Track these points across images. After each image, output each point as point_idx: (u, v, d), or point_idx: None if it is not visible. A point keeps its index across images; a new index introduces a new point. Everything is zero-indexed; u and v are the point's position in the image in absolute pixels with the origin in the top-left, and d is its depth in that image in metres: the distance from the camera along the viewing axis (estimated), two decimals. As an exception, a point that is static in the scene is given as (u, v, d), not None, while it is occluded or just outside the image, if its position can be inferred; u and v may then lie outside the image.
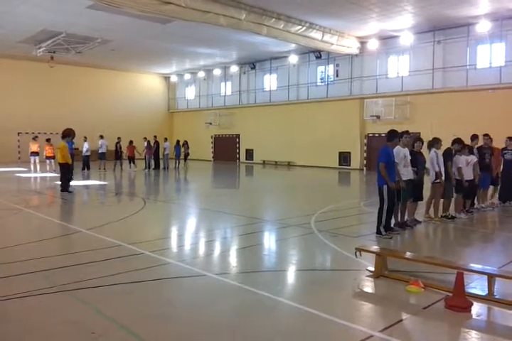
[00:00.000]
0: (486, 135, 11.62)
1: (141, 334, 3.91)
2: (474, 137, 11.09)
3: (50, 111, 31.43)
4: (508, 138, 12.48)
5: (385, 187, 7.86)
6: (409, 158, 8.53)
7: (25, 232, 8.33)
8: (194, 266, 5.97)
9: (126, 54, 29.51)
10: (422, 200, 9.25)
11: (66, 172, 14.18)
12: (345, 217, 10.10)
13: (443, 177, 9.40)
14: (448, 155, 9.70)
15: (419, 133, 20.90)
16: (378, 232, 7.92)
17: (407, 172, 8.45)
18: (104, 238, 7.49)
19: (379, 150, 8.15)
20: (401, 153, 8.35)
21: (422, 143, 9.25)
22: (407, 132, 8.65)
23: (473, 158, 10.29)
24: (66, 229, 8.60)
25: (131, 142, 24.71)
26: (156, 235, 8.12)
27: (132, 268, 5.76)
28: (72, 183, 14.70)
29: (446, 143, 10.03)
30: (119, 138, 24.51)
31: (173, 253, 6.87)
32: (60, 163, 14.21)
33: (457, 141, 9.99)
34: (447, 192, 9.74)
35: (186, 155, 27.34)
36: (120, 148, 24.23)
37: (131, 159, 24.47)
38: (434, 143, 9.62)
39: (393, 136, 8.13)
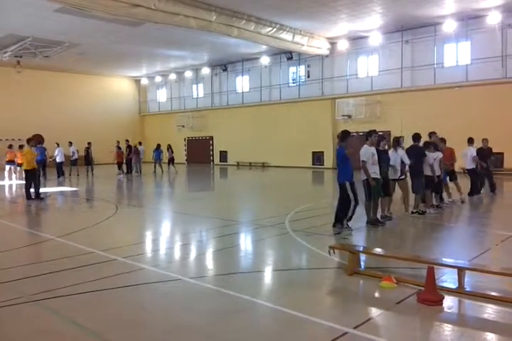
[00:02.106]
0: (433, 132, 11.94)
1: (114, 341, 3.85)
2: (431, 134, 11.42)
3: (18, 116, 30.68)
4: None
5: (347, 183, 8.06)
6: (376, 156, 8.69)
7: (-6, 241, 8.11)
8: (169, 271, 5.91)
9: (95, 57, 29.11)
10: (390, 196, 9.46)
11: (32, 179, 13.37)
12: (319, 216, 10.16)
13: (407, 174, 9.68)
14: (418, 152, 9.90)
15: (390, 131, 21.30)
16: (337, 225, 8.17)
17: (375, 170, 8.62)
18: (76, 245, 7.35)
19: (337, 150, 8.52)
20: (368, 151, 8.52)
21: (387, 142, 9.45)
22: (374, 131, 8.84)
23: (439, 155, 10.53)
24: (37, 237, 8.41)
25: (119, 147, 24.29)
26: (129, 241, 8.00)
27: (105, 275, 5.67)
28: (42, 190, 14.25)
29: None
30: (89, 143, 24.03)
31: (147, 258, 6.79)
32: (26, 170, 13.43)
33: (418, 136, 10.22)
34: (417, 188, 9.95)
35: (171, 159, 26.15)
36: (90, 153, 23.76)
37: (120, 164, 24.08)
38: (400, 141, 9.89)
39: (345, 136, 8.32)
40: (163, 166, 25.74)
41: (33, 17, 19.72)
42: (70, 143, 23.51)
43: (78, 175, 22.91)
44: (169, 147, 26.26)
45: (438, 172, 10.43)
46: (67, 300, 4.82)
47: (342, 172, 8.19)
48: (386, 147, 9.41)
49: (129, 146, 24.92)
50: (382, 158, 9.05)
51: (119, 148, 24.19)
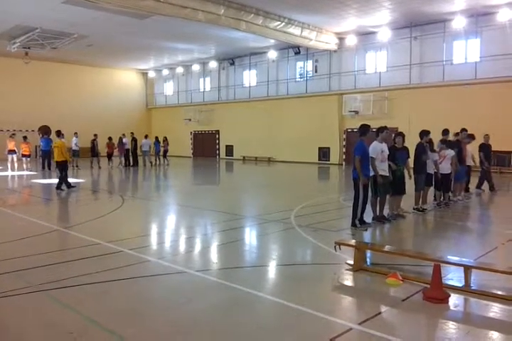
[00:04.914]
0: (464, 130, 12.00)
1: (120, 333, 3.87)
2: (445, 132, 11.39)
3: (26, 108, 30.79)
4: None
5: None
6: (386, 153, 8.63)
7: (1, 232, 8.15)
8: (174, 263, 5.93)
9: (103, 49, 29.09)
10: (404, 194, 9.34)
11: (65, 170, 13.85)
12: (325, 212, 10.16)
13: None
14: (421, 149, 9.83)
15: (397, 128, 21.16)
16: (353, 225, 8.04)
17: (384, 167, 8.56)
18: (82, 236, 7.38)
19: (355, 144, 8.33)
20: (378, 148, 8.45)
21: (403, 139, 9.29)
22: (385, 127, 8.75)
23: (451, 153, 10.47)
24: (43, 227, 8.44)
25: (110, 138, 24.50)
26: (135, 233, 8.04)
27: (111, 267, 5.69)
28: (40, 181, 14.26)
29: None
30: (95, 135, 24.13)
31: (152, 250, 6.82)
32: (57, 162, 13.84)
33: (425, 133, 10.11)
34: (419, 185, 9.90)
35: (165, 151, 26.91)
36: (97, 145, 23.82)
37: (110, 156, 24.28)
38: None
39: (365, 130, 8.20)
40: (159, 159, 26.43)
41: (41, 8, 19.69)
42: (76, 134, 23.58)
43: (77, 166, 22.71)
44: (165, 139, 26.98)
45: (447, 170, 10.36)
46: (73, 291, 4.85)
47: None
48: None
49: (132, 138, 25.21)
50: (399, 156, 8.98)
51: (109, 139, 24.54)
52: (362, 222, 8.19)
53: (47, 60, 30.98)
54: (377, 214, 8.75)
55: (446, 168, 10.36)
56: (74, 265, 5.79)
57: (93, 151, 23.68)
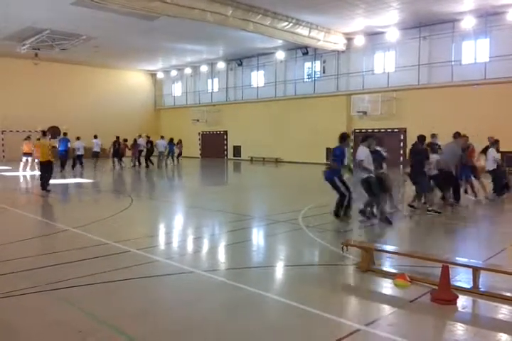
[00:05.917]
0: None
1: (128, 332, 3.89)
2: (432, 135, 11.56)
3: (34, 108, 31.01)
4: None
5: (335, 178, 9.11)
6: (371, 156, 8.93)
7: (11, 231, 8.23)
8: (182, 263, 5.95)
9: (111, 51, 29.26)
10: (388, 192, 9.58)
11: (47, 171, 13.53)
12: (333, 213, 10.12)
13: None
14: (423, 153, 9.94)
15: (405, 128, 21.10)
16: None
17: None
18: (91, 236, 7.43)
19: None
20: (366, 151, 8.92)
21: (376, 142, 9.54)
22: (372, 135, 9.58)
23: (435, 157, 10.39)
24: (52, 227, 8.52)
25: (125, 140, 24.82)
26: (143, 233, 8.08)
27: (119, 267, 5.73)
28: (53, 181, 14.20)
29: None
30: (117, 137, 24.44)
31: (160, 250, 6.85)
32: (42, 162, 13.53)
33: (424, 138, 10.27)
34: (421, 188, 9.96)
35: (180, 153, 27.19)
36: (118, 146, 24.13)
37: (121, 156, 24.55)
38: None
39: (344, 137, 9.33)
40: (172, 159, 26.63)
41: (51, 10, 19.84)
42: (95, 136, 23.96)
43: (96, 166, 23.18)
44: (179, 142, 27.28)
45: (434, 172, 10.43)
46: (82, 291, 4.89)
47: (335, 170, 9.14)
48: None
49: (148, 141, 25.50)
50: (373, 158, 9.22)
51: (125, 140, 24.88)
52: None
53: (56, 61, 31.20)
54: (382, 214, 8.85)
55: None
56: (82, 265, 5.83)
57: (115, 152, 24.02)
